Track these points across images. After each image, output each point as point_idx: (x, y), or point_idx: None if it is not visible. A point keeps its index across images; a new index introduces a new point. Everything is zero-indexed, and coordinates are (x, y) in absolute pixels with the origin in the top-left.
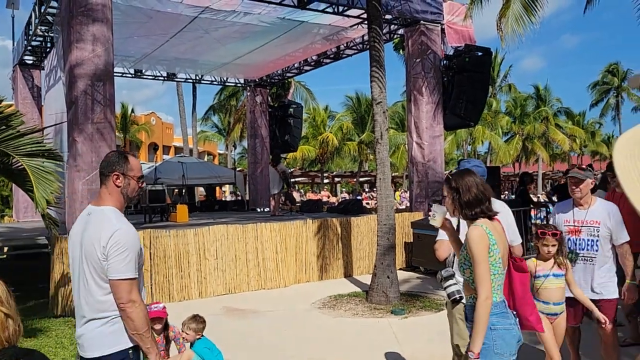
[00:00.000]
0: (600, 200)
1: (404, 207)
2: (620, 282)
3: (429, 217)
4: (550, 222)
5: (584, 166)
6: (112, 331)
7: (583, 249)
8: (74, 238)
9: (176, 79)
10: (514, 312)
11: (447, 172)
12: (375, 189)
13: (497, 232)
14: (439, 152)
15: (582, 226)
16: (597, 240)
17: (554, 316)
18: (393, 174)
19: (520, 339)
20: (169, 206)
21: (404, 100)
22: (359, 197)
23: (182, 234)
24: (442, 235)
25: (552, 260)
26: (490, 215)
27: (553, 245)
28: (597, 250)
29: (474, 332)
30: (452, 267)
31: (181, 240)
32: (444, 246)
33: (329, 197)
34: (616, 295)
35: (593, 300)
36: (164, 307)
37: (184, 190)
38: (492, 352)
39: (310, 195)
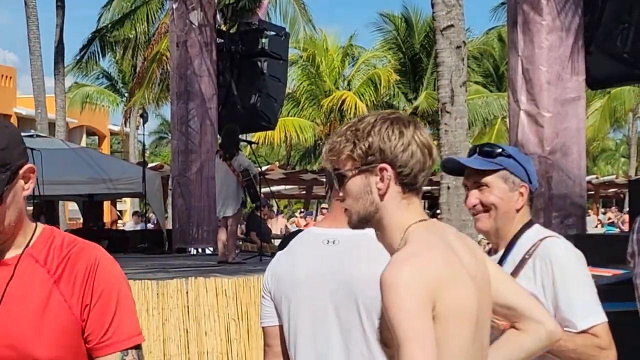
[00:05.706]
0: None
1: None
2: None
3: None
4: None
5: None
6: None
7: None
8: (315, 281)
9: None
10: None
11: (593, 177)
12: (438, 212)
13: None
14: (574, 133)
15: None
16: None
17: None
18: None
19: None
20: None
21: (502, 27)
22: None
23: None
24: None
25: None
26: None
27: None
28: None
29: None
30: None
31: None
32: None
33: None
34: None
35: None
36: None
37: (36, 209)
38: None
39: (300, 222)
